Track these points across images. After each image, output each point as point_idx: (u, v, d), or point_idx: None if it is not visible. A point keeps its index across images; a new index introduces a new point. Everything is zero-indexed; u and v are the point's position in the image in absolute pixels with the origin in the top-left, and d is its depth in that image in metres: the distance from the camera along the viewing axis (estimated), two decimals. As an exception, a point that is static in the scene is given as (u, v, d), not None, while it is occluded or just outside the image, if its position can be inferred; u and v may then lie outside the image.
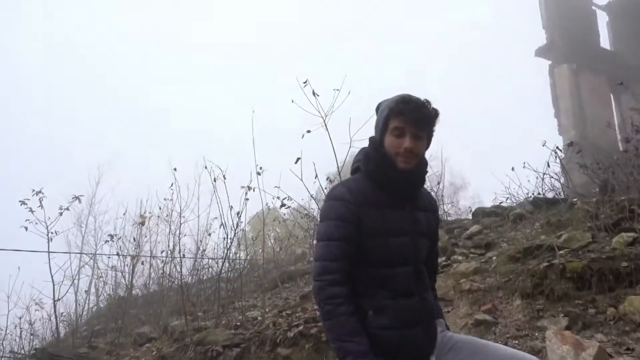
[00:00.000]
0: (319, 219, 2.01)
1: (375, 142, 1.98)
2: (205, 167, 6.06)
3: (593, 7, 21.45)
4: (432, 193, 9.16)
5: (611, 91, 20.28)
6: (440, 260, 6.11)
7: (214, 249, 8.54)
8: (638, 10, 18.75)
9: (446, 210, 10.60)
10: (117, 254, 7.58)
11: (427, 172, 2.06)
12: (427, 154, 2.07)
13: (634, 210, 4.72)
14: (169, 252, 7.18)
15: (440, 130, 2.01)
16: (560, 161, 5.69)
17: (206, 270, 8.64)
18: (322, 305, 1.81)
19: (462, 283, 5.07)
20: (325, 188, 6.59)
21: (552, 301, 4.18)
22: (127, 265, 8.18)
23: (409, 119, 1.88)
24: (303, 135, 5.56)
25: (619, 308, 3.78)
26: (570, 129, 18.51)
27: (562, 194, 7.12)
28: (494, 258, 5.65)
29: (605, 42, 21.52)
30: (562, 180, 6.41)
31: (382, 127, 1.94)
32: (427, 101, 1.94)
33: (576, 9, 20.32)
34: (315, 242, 2.00)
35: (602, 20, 21.77)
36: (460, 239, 7.13)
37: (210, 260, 8.59)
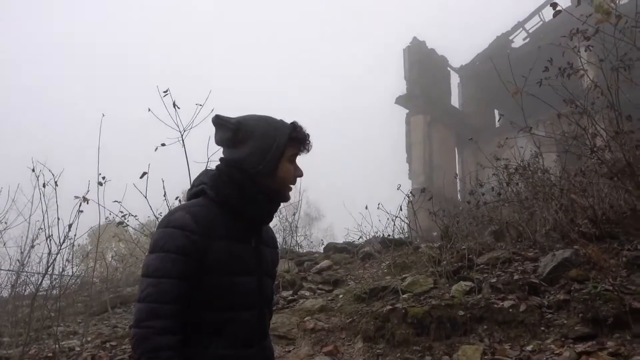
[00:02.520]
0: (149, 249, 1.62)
1: (240, 165, 1.65)
2: (33, 170, 5.19)
3: (448, 68, 23.73)
4: (287, 223, 9.09)
5: (456, 146, 22.39)
6: (286, 294, 5.91)
7: (39, 262, 7.48)
8: (484, 78, 21.01)
9: (299, 242, 10.50)
10: None
11: None
12: None
13: (472, 259, 4.97)
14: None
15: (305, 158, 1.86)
16: (412, 205, 5.88)
17: (26, 286, 7.52)
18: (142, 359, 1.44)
19: (306, 321, 4.90)
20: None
21: (393, 346, 4.16)
22: None
23: (303, 147, 1.74)
24: (156, 149, 5.05)
25: (452, 356, 3.85)
26: (420, 175, 19.97)
27: (409, 236, 7.42)
28: (341, 296, 5.59)
29: (455, 101, 23.85)
30: (410, 223, 6.66)
31: (279, 154, 1.67)
32: None
33: (434, 66, 22.33)
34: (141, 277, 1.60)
35: (455, 81, 24.18)
36: (310, 273, 7.02)
37: (31, 275, 7.48)
